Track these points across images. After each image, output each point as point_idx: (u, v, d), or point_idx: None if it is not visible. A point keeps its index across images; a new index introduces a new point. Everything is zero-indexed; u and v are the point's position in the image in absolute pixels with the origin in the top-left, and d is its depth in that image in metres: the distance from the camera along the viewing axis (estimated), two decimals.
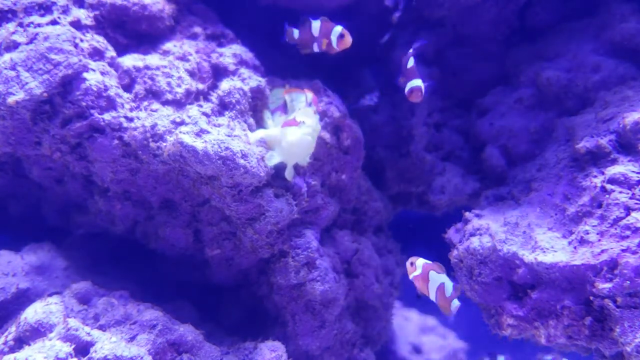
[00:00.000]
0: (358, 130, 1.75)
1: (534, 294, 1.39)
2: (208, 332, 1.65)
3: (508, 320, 1.45)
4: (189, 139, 1.34)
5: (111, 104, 1.41)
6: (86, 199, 1.61)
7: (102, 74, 1.44)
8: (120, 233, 1.65)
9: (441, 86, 1.88)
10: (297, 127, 1.44)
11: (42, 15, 1.46)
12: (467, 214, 1.59)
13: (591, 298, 1.28)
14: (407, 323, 2.92)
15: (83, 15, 1.50)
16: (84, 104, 1.38)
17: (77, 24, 1.48)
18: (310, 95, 1.58)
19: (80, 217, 1.66)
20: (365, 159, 1.96)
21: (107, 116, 1.40)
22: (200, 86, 1.53)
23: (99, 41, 1.49)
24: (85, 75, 1.40)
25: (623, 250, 1.25)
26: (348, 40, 1.44)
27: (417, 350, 2.74)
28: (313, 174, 1.67)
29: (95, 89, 1.39)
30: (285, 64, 2.10)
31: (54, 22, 1.44)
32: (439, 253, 1.77)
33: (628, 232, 1.27)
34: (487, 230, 1.50)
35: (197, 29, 1.63)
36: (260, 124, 1.59)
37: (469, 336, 3.06)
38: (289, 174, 1.51)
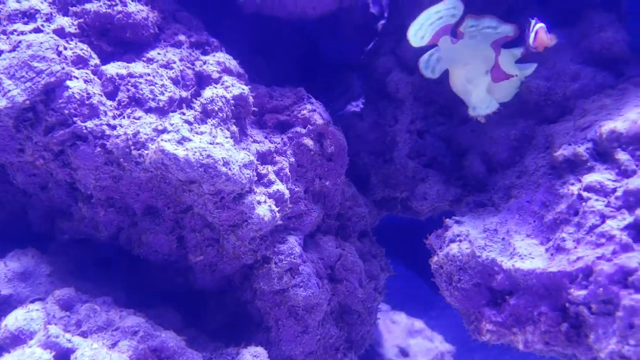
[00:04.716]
0: (342, 137, 1.77)
1: (512, 300, 1.41)
2: (192, 337, 1.67)
3: (487, 326, 1.47)
4: (170, 147, 1.35)
5: (94, 112, 1.42)
6: (70, 206, 1.62)
7: (86, 81, 1.45)
8: (104, 239, 1.65)
9: (424, 93, 1.90)
10: (508, 83, 1.57)
11: (26, 23, 1.47)
12: (448, 221, 1.61)
13: (567, 305, 1.30)
14: (394, 326, 2.94)
15: (67, 23, 1.51)
16: (66, 111, 1.39)
17: (60, 32, 1.48)
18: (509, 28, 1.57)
19: (64, 223, 1.66)
20: (351, 164, 1.98)
21: (89, 124, 1.41)
22: (184, 94, 1.54)
23: (83, 49, 1.49)
24: (68, 83, 1.41)
25: (598, 258, 1.27)
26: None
27: (403, 353, 2.75)
28: (296, 181, 1.69)
29: (77, 97, 1.40)
30: (271, 71, 2.12)
31: (37, 30, 1.45)
32: (424, 258, 1.79)
33: (603, 240, 1.29)
34: (466, 237, 1.52)
35: (182, 37, 1.64)
36: (243, 130, 1.60)
37: (456, 339, 3.09)
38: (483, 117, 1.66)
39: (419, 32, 1.58)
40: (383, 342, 2.77)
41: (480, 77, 1.59)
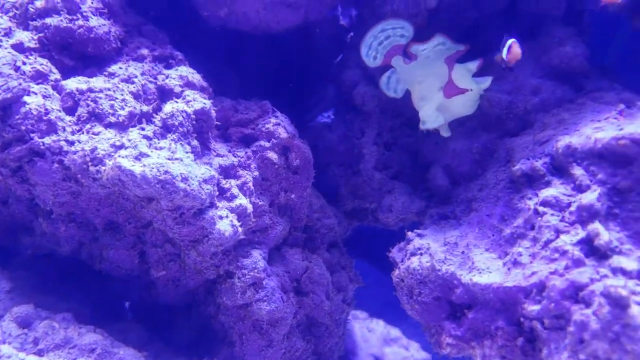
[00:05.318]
0: (307, 150, 1.77)
1: (470, 314, 1.42)
2: (156, 352, 1.67)
3: (447, 340, 1.47)
4: (127, 163, 1.34)
5: (52, 128, 1.42)
6: (32, 221, 1.60)
7: (44, 97, 1.44)
8: (66, 254, 1.64)
9: (391, 106, 1.92)
10: (464, 97, 1.61)
11: None
12: (410, 234, 1.62)
13: (522, 319, 1.31)
14: (370, 334, 2.94)
15: (26, 38, 1.50)
16: (23, 127, 1.39)
17: (19, 47, 1.48)
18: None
19: (26, 238, 1.65)
20: (321, 175, 1.99)
21: (47, 140, 1.40)
22: (145, 108, 1.53)
23: (42, 64, 1.49)
24: (25, 99, 1.40)
25: (551, 273, 1.28)
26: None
27: None
28: (261, 194, 1.69)
29: (35, 113, 1.40)
30: (242, 83, 2.12)
31: None
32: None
33: (556, 255, 1.30)
34: (427, 250, 1.53)
35: (144, 51, 1.64)
36: (206, 145, 1.60)
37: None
38: (445, 131, 1.69)
39: (370, 52, 1.61)
40: (358, 351, 2.77)
41: (433, 93, 1.61)
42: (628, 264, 1.21)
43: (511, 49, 1.53)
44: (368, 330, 3.00)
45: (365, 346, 2.84)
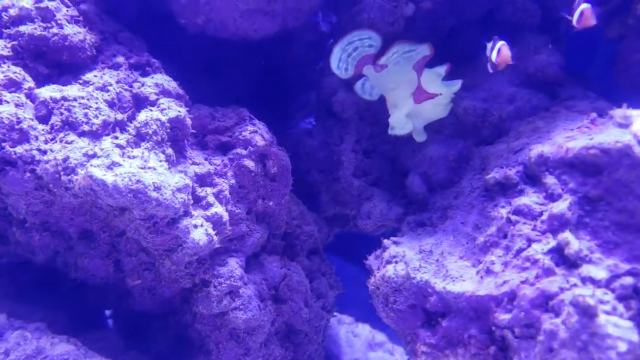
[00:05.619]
0: (285, 157, 1.77)
1: (444, 322, 1.42)
2: None
3: (422, 348, 1.48)
4: (98, 173, 1.34)
5: (24, 137, 1.41)
6: (6, 229, 1.59)
7: (17, 105, 1.43)
8: (41, 263, 1.63)
9: (370, 113, 1.92)
10: (434, 101, 1.63)
11: None
12: (386, 241, 1.62)
13: (493, 328, 1.32)
14: (355, 339, 2.94)
15: None
16: None
17: None
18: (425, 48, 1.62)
19: (1, 247, 1.64)
20: (302, 181, 1.98)
21: (19, 149, 1.40)
22: (120, 117, 1.53)
23: (16, 72, 1.48)
24: None
25: (522, 282, 1.28)
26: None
27: None
28: (238, 202, 1.69)
29: (6, 122, 1.39)
30: (222, 89, 2.12)
31: None
32: None
33: (528, 264, 1.31)
34: (402, 258, 1.53)
35: (120, 59, 1.63)
36: (181, 153, 1.60)
37: None
38: (419, 135, 1.72)
39: (340, 64, 1.63)
40: (342, 356, 2.77)
41: (405, 99, 1.62)
42: (597, 273, 1.22)
43: (500, 52, 1.52)
44: (353, 334, 3.00)
45: (350, 351, 2.84)
